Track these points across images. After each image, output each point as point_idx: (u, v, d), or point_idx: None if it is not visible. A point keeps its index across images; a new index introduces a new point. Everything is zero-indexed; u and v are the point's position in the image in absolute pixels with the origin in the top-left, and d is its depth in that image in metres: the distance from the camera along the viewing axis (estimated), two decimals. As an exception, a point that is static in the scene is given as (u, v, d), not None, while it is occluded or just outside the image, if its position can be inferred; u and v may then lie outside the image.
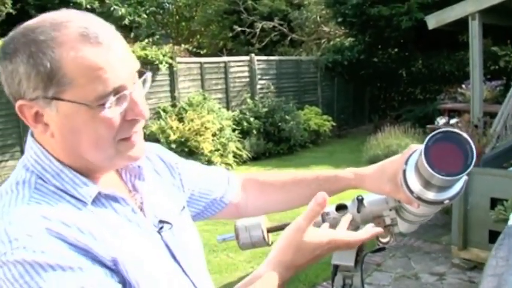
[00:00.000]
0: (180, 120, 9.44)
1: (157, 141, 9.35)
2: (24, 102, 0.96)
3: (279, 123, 11.22)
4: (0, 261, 0.86)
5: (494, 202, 4.65)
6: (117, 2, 14.48)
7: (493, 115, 7.02)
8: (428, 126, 9.85)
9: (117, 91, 0.95)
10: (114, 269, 0.94)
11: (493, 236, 4.75)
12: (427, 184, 1.07)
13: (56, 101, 0.94)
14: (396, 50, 14.28)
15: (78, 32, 0.94)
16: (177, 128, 9.14)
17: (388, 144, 9.05)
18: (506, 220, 4.30)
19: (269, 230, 1.62)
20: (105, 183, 1.06)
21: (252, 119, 11.09)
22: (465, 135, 1.02)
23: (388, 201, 1.30)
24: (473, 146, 1.00)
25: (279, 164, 10.04)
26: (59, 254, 0.87)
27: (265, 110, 11.46)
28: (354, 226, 1.52)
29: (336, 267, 1.59)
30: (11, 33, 0.97)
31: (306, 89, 13.80)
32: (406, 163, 1.13)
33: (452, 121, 8.80)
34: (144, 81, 1.05)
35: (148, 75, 1.06)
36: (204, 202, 1.41)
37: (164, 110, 9.93)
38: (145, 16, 15.45)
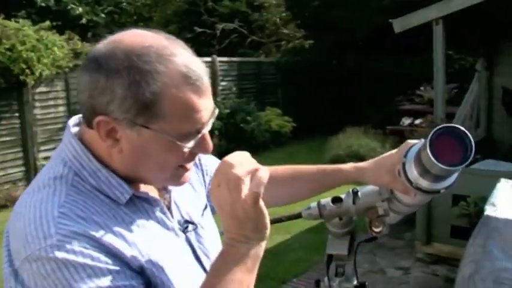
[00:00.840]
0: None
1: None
2: (106, 119, 0.98)
3: (241, 124, 11.34)
4: (35, 256, 0.90)
5: (455, 199, 4.91)
6: (74, 0, 14.33)
7: (450, 116, 7.36)
8: (388, 127, 10.16)
9: (198, 130, 1.02)
10: (140, 272, 0.98)
11: (455, 231, 5.03)
12: (426, 174, 1.17)
13: (141, 127, 0.98)
14: (355, 52, 14.59)
15: (181, 70, 0.98)
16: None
17: (349, 144, 9.31)
18: (468, 215, 4.57)
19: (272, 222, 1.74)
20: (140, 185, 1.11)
21: (213, 120, 11.07)
22: (464, 130, 1.13)
23: (381, 193, 1.40)
24: (472, 140, 1.11)
25: (241, 165, 10.12)
26: (90, 256, 0.91)
27: (227, 111, 11.52)
28: (348, 217, 1.64)
29: (331, 257, 1.70)
30: (107, 47, 0.99)
31: (266, 90, 13.95)
32: (405, 156, 1.24)
33: (417, 122, 9.11)
34: (212, 115, 1.08)
35: (216, 110, 1.09)
36: None
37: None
38: (103, 16, 15.35)
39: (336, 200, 1.49)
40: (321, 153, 9.39)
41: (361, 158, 8.18)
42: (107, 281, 0.91)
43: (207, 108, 1.02)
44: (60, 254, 0.90)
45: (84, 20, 14.29)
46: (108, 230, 0.96)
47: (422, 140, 1.17)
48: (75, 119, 1.13)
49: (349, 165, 1.42)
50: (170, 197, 1.17)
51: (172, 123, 0.99)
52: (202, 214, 1.27)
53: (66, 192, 0.99)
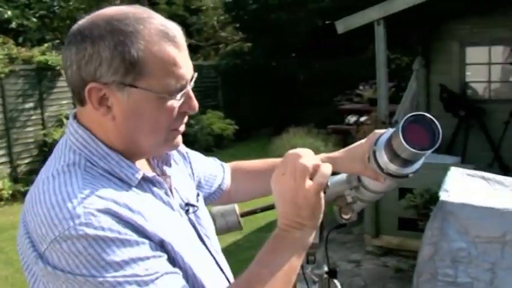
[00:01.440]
0: (84, 126, 9.30)
1: (61, 148, 9.15)
2: (96, 85, 1.04)
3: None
4: (64, 235, 0.94)
5: (402, 192, 5.13)
6: (2, 3, 13.87)
7: (390, 114, 7.64)
8: (329, 126, 10.42)
9: (183, 87, 1.09)
10: (160, 245, 1.03)
11: (402, 223, 5.26)
12: (396, 159, 1.24)
13: (130, 87, 1.04)
14: (294, 54, 14.86)
15: (160, 28, 1.06)
16: (82, 134, 9.00)
17: (293, 144, 9.45)
18: (415, 206, 4.80)
19: (242, 215, 1.81)
20: (143, 168, 1.15)
21: (156, 124, 11.04)
22: (432, 117, 1.22)
23: (349, 181, 1.48)
24: (439, 127, 1.20)
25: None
26: (117, 230, 0.96)
27: (168, 115, 11.45)
28: None
29: None
30: (88, 20, 1.06)
31: (207, 93, 13.96)
32: (375, 144, 1.31)
33: (362, 119, 9.39)
34: (191, 79, 1.15)
35: (195, 75, 1.16)
36: (208, 189, 1.54)
37: (67, 117, 9.69)
38: (34, 20, 14.92)
39: None
40: (265, 155, 9.40)
41: (306, 158, 8.38)
42: (136, 252, 0.97)
43: (187, 64, 1.09)
44: (90, 231, 0.94)
45: (14, 24, 13.82)
46: (127, 208, 1.01)
47: (391, 130, 1.26)
48: (74, 111, 1.17)
49: (322, 156, 1.45)
50: (171, 181, 1.22)
51: (158, 79, 1.05)
52: (197, 200, 1.33)
53: (81, 176, 1.03)
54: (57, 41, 11.86)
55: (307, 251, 1.60)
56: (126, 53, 1.02)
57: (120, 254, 0.95)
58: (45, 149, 9.39)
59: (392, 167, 1.26)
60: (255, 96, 14.21)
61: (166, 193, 1.17)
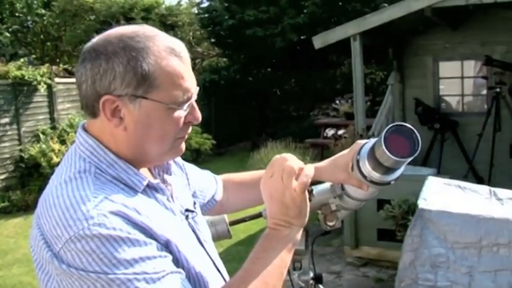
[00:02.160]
0: (62, 142, 9.29)
1: (38, 165, 9.11)
2: (110, 97, 1.12)
3: (161, 143, 11.29)
4: (79, 235, 1.01)
5: (380, 203, 5.24)
6: (-27, 18, 13.78)
7: (367, 128, 7.78)
8: (307, 140, 10.54)
9: (189, 98, 1.17)
10: (166, 247, 1.10)
11: (381, 234, 5.38)
12: (379, 167, 1.31)
13: (141, 99, 1.13)
14: (270, 69, 15.00)
15: (167, 45, 1.16)
16: (59, 150, 8.99)
17: (270, 158, 9.49)
18: (394, 217, 4.92)
19: (231, 224, 1.88)
20: (147, 176, 1.23)
21: (133, 140, 11.02)
22: (412, 127, 1.29)
23: (333, 190, 1.53)
24: (419, 136, 1.28)
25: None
26: (127, 231, 1.03)
27: (146, 130, 11.44)
28: None
29: None
30: (101, 38, 1.16)
31: (185, 108, 13.97)
32: (358, 154, 1.37)
33: (340, 132, 9.53)
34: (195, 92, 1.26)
35: (197, 88, 1.25)
36: (202, 200, 1.60)
37: (43, 133, 9.67)
38: (7, 35, 14.84)
39: None
40: (244, 169, 9.39)
41: (284, 171, 8.44)
42: (144, 251, 1.04)
43: (192, 78, 1.19)
44: (103, 231, 1.01)
45: (-14, 39, 13.76)
46: (136, 211, 1.08)
47: (373, 140, 1.33)
48: (83, 122, 1.25)
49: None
50: (171, 188, 1.29)
51: (167, 91, 1.13)
52: (194, 208, 1.38)
53: (92, 182, 1.10)
54: (34, 56, 11.82)
55: (294, 257, 1.69)
56: (138, 67, 1.11)
57: (130, 253, 1.02)
58: (21, 165, 9.34)
59: (375, 175, 1.32)
60: (232, 111, 14.29)
61: (168, 199, 1.24)
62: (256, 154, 9.83)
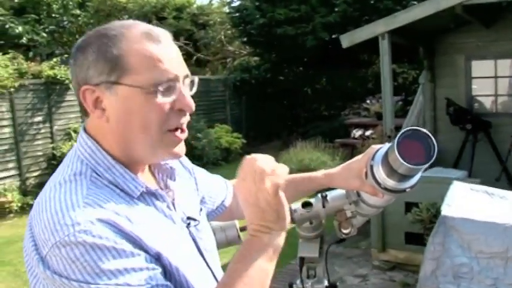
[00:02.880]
0: (93, 140, 9.37)
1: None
2: (88, 87, 1.10)
3: (191, 142, 11.35)
4: (64, 241, 0.97)
5: (408, 206, 5.11)
6: (12, 19, 14.01)
7: (397, 128, 7.62)
8: (337, 140, 10.41)
9: (169, 81, 1.10)
10: (157, 259, 1.06)
11: (408, 238, 5.23)
12: (393, 174, 1.25)
13: (117, 85, 1.09)
14: (301, 68, 14.88)
15: (143, 31, 1.12)
16: (90, 148, 9.06)
17: (300, 158, 9.44)
18: (421, 221, 4.77)
19: (241, 229, 1.81)
20: (146, 182, 1.18)
21: (163, 138, 11.10)
22: (427, 132, 1.23)
23: (349, 196, 1.48)
24: (434, 142, 1.21)
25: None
26: (114, 240, 0.99)
27: (176, 128, 11.50)
28: (318, 221, 1.73)
29: (302, 259, 1.78)
30: (83, 37, 1.16)
31: (215, 107, 14.02)
32: (372, 159, 1.31)
33: (368, 133, 9.37)
34: (192, 84, 1.19)
35: (196, 78, 1.20)
36: (212, 205, 1.55)
37: (75, 131, 9.80)
38: (44, 35, 15.05)
39: (306, 204, 1.56)
40: None
41: (313, 172, 8.34)
42: (130, 262, 1.00)
43: (175, 62, 1.13)
44: (88, 239, 0.97)
45: (24, 39, 13.96)
46: (127, 220, 1.04)
47: (388, 144, 1.26)
48: (85, 122, 1.21)
49: (320, 173, 1.51)
50: (174, 195, 1.25)
51: (142, 74, 1.08)
52: (200, 215, 1.34)
53: (87, 186, 1.07)
54: (66, 56, 11.95)
55: (307, 265, 1.66)
56: (108, 53, 1.09)
57: (114, 263, 0.98)
58: (53, 162, 9.44)
59: (390, 182, 1.27)
60: (263, 110, 14.25)
61: (168, 206, 1.19)
62: (285, 154, 9.75)
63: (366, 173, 1.34)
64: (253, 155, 1.09)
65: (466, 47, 6.88)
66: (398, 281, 5.05)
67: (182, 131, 1.16)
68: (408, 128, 1.23)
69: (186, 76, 1.15)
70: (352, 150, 9.44)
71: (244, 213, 1.11)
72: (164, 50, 1.11)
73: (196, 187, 1.47)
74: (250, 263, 1.05)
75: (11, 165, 9.12)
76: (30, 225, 1.07)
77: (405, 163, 1.19)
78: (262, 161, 1.07)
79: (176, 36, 15.46)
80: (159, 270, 1.04)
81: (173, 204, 1.23)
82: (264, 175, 1.05)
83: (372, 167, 1.31)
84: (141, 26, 1.14)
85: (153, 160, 1.21)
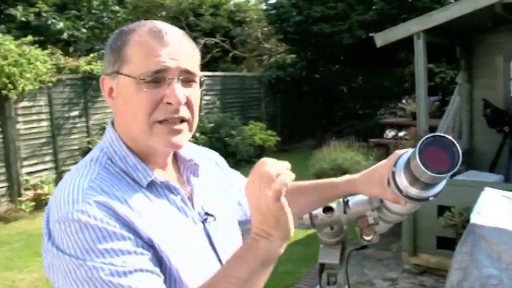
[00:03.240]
0: (128, 135, 9.48)
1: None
2: (104, 77, 1.21)
3: (225, 139, 11.39)
4: (64, 217, 1.06)
5: (440, 210, 4.99)
6: (54, 15, 14.27)
7: (432, 129, 7.45)
8: (371, 140, 10.25)
9: (157, 72, 1.14)
10: (150, 244, 1.10)
11: (441, 242, 5.11)
12: (415, 182, 1.20)
13: (118, 75, 1.17)
14: (337, 66, 14.75)
15: (150, 27, 1.18)
16: (125, 143, 9.18)
17: (333, 158, 9.33)
18: (454, 225, 4.65)
19: None
20: (164, 175, 1.24)
21: (198, 135, 11.15)
22: (452, 138, 1.18)
23: (371, 202, 1.44)
24: (459, 148, 1.16)
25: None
26: (107, 222, 1.06)
27: (211, 125, 11.59)
28: (339, 227, 1.67)
29: (322, 266, 1.73)
30: None
31: (250, 104, 14.02)
32: (394, 165, 1.27)
33: (401, 134, 9.20)
34: (201, 84, 1.24)
35: (202, 78, 1.24)
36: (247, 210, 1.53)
37: (111, 125, 9.92)
38: (84, 31, 15.30)
39: (327, 209, 1.54)
40: (305, 167, 9.40)
41: (345, 171, 8.24)
42: (118, 244, 1.05)
43: (174, 57, 1.16)
44: (83, 218, 1.05)
45: (65, 35, 14.22)
46: (125, 204, 1.11)
47: (411, 150, 1.21)
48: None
49: (342, 179, 1.48)
50: (192, 190, 1.29)
51: (136, 65, 1.15)
52: (225, 214, 1.36)
53: (98, 171, 1.16)
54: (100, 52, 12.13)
55: (328, 271, 1.65)
56: (115, 45, 1.19)
57: (103, 243, 1.04)
58: (89, 156, 9.57)
59: (412, 190, 1.23)
60: (298, 108, 14.17)
61: (183, 200, 1.23)
62: (318, 152, 9.66)
63: (388, 180, 1.30)
64: (264, 159, 1.09)
65: (505, 48, 6.65)
66: (429, 286, 4.94)
67: (176, 122, 1.18)
68: (432, 134, 1.18)
69: (184, 71, 1.17)
70: (386, 151, 9.28)
71: (250, 214, 1.12)
72: (162, 45, 1.15)
73: (231, 189, 1.49)
74: (241, 264, 1.08)
75: (47, 158, 9.28)
76: (49, 203, 1.16)
77: (427, 171, 1.15)
78: (270, 165, 1.06)
79: (212, 33, 15.64)
80: (148, 255, 1.09)
81: (190, 199, 1.27)
82: (268, 180, 1.04)
83: (393, 173, 1.27)
84: (152, 24, 1.20)
85: (151, 149, 1.22)
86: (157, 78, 1.14)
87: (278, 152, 12.95)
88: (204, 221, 1.26)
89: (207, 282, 1.09)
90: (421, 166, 1.14)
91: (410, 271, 5.27)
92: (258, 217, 1.08)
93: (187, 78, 1.18)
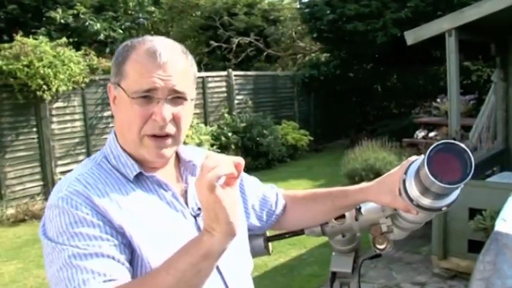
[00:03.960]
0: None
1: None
2: (110, 85, 1.33)
3: (257, 138, 11.34)
4: (50, 204, 1.21)
5: (472, 212, 4.81)
6: (92, 17, 14.47)
7: (467, 128, 7.25)
8: (404, 139, 10.04)
9: (147, 91, 1.25)
10: (119, 232, 1.19)
11: (472, 246, 4.92)
12: (426, 192, 1.15)
13: (118, 86, 1.29)
14: (371, 65, 14.53)
15: (149, 46, 1.28)
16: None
17: (365, 158, 9.17)
18: (485, 229, 4.47)
19: (269, 239, 1.71)
20: (163, 175, 1.33)
21: (230, 134, 11.19)
22: (464, 146, 1.11)
23: (384, 210, 1.40)
24: (471, 157, 1.09)
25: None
26: (81, 209, 1.18)
27: (243, 124, 11.57)
28: (351, 234, 1.60)
29: (334, 274, 1.67)
30: None
31: (282, 103, 13.94)
32: (405, 173, 1.22)
33: (431, 134, 8.99)
34: (177, 100, 1.30)
35: (190, 95, 1.33)
36: (260, 213, 1.59)
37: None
38: (120, 31, 15.47)
39: (339, 216, 1.50)
40: (337, 167, 9.30)
41: (378, 172, 8.08)
42: (86, 229, 1.16)
43: (161, 76, 1.25)
44: (61, 204, 1.19)
45: (102, 36, 14.41)
46: (105, 195, 1.22)
47: (422, 157, 1.14)
48: None
49: (354, 187, 1.45)
50: (187, 186, 1.37)
51: (131, 81, 1.26)
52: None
53: (90, 167, 1.30)
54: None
55: (340, 280, 1.63)
56: (117, 59, 1.31)
57: (74, 227, 1.16)
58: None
59: (424, 200, 1.17)
60: (331, 107, 14.03)
61: (174, 196, 1.32)
62: (350, 152, 9.52)
63: (400, 189, 1.24)
64: (208, 152, 1.24)
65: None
66: (459, 291, 4.78)
67: (163, 138, 1.29)
68: (443, 141, 1.12)
69: (173, 91, 1.26)
70: (418, 151, 9.08)
71: None
72: (156, 64, 1.25)
73: (244, 194, 1.55)
74: (183, 256, 1.11)
75: (81, 157, 9.38)
76: None
77: (437, 182, 1.09)
78: (210, 158, 1.08)
79: (246, 32, 15.63)
80: (114, 242, 1.17)
81: (185, 196, 1.35)
82: (204, 172, 1.06)
83: (404, 182, 1.22)
84: (152, 42, 1.29)
85: (141, 157, 1.32)
86: (148, 96, 1.25)
87: (311, 152, 12.86)
88: (196, 216, 1.33)
89: (152, 271, 1.16)
90: (430, 176, 1.08)
91: (440, 275, 5.10)
92: (203, 210, 1.11)
93: (176, 97, 1.27)
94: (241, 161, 1.10)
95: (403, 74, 13.68)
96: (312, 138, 12.70)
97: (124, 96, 1.26)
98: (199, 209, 1.32)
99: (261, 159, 11.23)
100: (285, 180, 9.73)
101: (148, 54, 1.26)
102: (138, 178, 1.30)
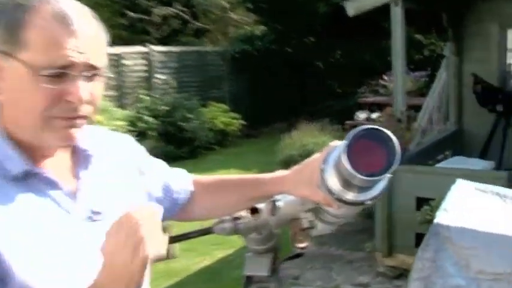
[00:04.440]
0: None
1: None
2: None
3: (181, 123, 11.30)
4: None
5: (420, 202, 4.85)
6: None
7: (417, 108, 7.36)
8: (347, 122, 10.19)
9: (62, 67, 1.13)
10: None
11: (420, 240, 4.95)
12: (347, 184, 1.12)
13: (11, 58, 1.13)
14: (312, 39, 14.68)
15: (56, 8, 1.14)
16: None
17: (304, 143, 9.25)
18: (432, 221, 4.49)
19: (171, 241, 1.60)
20: (54, 168, 1.24)
21: (149, 119, 11.12)
22: (388, 132, 1.08)
23: (304, 203, 1.34)
24: (397, 144, 1.07)
25: (180, 170, 10.07)
26: None
27: (164, 108, 11.51)
28: (268, 231, 1.51)
29: (249, 278, 1.57)
30: None
31: (211, 83, 13.95)
32: (324, 162, 1.18)
33: (374, 115, 9.11)
34: (95, 75, 1.21)
35: (101, 68, 1.23)
36: (166, 201, 1.53)
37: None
38: None
39: (254, 210, 1.45)
40: (272, 154, 9.34)
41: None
42: None
43: (78, 49, 1.14)
44: None
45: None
46: None
47: (344, 142, 1.11)
48: None
49: (270, 176, 1.42)
50: (80, 184, 1.28)
51: (35, 53, 1.12)
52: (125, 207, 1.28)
53: None
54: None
55: (258, 284, 1.54)
56: (9, 20, 1.14)
57: None
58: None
59: (346, 194, 1.16)
60: (266, 87, 14.09)
61: (66, 194, 1.23)
62: (287, 137, 9.55)
63: (319, 180, 1.21)
64: (139, 213, 1.07)
65: (501, 14, 6.56)
66: (405, 291, 4.81)
67: (72, 119, 1.20)
68: (364, 127, 1.09)
69: (91, 66, 1.18)
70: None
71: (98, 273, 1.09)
72: (69, 33, 1.14)
73: (141, 178, 1.49)
74: None
75: None
76: None
77: (357, 174, 1.07)
78: (146, 225, 1.05)
79: (170, 2, 15.38)
80: None
81: (78, 194, 1.26)
82: (140, 244, 1.03)
83: (322, 171, 1.19)
84: (60, 4, 1.16)
85: (42, 144, 1.22)
86: (61, 73, 1.14)
87: (243, 138, 12.89)
88: (89, 218, 1.26)
89: None
90: (349, 167, 1.06)
91: (385, 274, 5.19)
92: (106, 274, 1.06)
93: (92, 73, 1.19)
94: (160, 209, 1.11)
95: (347, 49, 13.90)
96: (244, 123, 12.77)
97: (23, 71, 1.13)
98: (93, 211, 1.27)
99: (185, 147, 11.18)
100: (212, 170, 9.60)
101: (57, 19, 1.14)
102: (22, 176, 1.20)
